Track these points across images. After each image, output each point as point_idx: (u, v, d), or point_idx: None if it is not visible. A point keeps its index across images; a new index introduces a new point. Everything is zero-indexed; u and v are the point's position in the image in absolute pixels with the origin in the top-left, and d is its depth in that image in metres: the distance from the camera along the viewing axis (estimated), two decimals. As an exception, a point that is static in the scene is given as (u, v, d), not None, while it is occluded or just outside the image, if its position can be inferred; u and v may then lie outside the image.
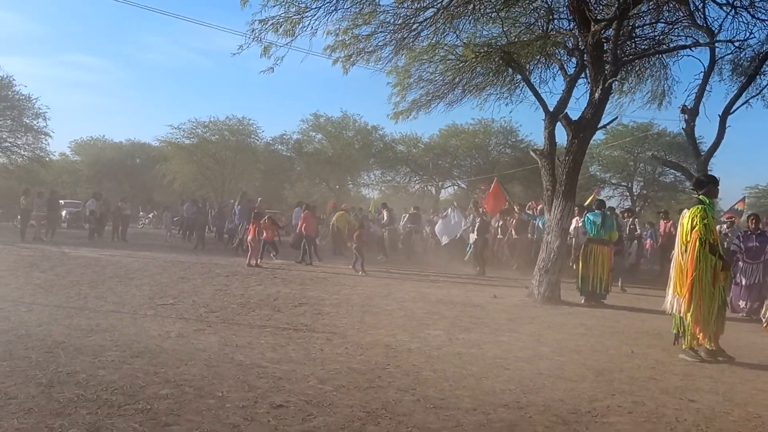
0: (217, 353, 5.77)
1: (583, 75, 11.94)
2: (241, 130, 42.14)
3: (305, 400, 4.47)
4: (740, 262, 10.46)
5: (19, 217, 21.75)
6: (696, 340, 6.50)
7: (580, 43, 11.23)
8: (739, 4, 12.07)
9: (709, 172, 12.91)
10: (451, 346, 6.65)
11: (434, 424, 4.10)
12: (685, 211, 6.87)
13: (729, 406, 4.87)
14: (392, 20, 11.16)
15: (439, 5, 10.83)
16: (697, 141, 15.60)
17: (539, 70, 13.79)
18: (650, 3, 11.97)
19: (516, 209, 17.11)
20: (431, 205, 34.63)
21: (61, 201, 30.43)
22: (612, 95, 15.18)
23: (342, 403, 4.45)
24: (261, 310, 8.42)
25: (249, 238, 14.90)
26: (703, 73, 14.29)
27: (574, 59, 12.16)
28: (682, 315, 6.55)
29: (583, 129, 10.82)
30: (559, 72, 12.44)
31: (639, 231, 16.83)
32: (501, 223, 17.14)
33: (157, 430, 3.75)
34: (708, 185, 6.81)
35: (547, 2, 11.83)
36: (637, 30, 12.91)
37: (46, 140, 34.88)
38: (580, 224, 12.66)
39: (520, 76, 12.42)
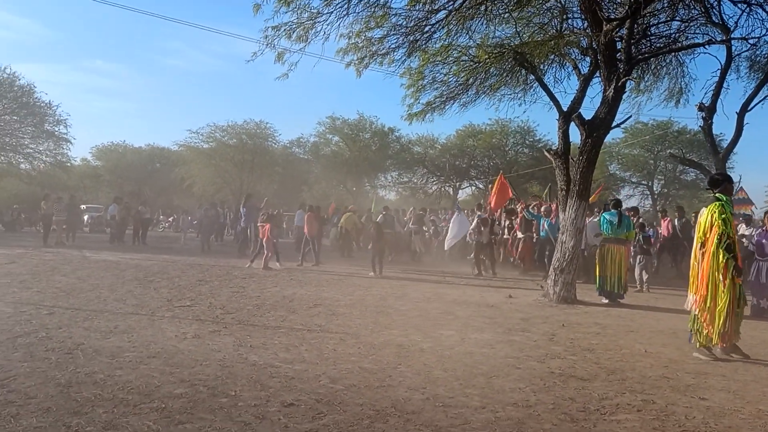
0: (231, 354, 5.87)
1: (597, 74, 11.89)
2: (259, 134, 42.52)
3: (316, 398, 4.55)
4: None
5: (42, 222, 22.18)
6: (710, 338, 6.48)
7: (593, 43, 11.19)
8: (754, 1, 11.94)
9: (728, 170, 12.81)
10: (463, 345, 6.69)
11: (442, 422, 4.15)
12: (704, 209, 6.89)
13: (740, 403, 4.86)
14: (404, 23, 11.22)
15: (451, 7, 10.86)
16: (717, 139, 15.48)
17: (554, 69, 13.77)
18: (664, 1, 11.89)
19: (519, 208, 17.06)
20: (449, 206, 34.52)
21: (82, 206, 30.98)
22: (629, 94, 15.16)
23: (352, 401, 4.52)
24: (276, 312, 8.52)
25: (265, 240, 14.99)
26: (720, 71, 14.17)
27: (588, 58, 12.12)
28: (696, 313, 6.56)
29: (596, 128, 10.79)
30: (573, 71, 12.40)
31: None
32: (507, 222, 17.05)
33: (170, 428, 3.85)
34: (723, 183, 6.82)
35: (560, 2, 11.82)
36: (652, 28, 12.83)
37: (67, 146, 35.40)
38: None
39: (533, 77, 12.40)
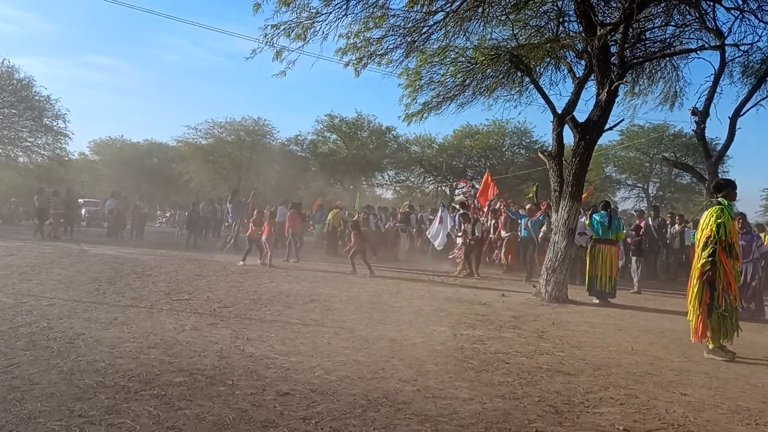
0: (228, 345, 6.03)
1: (592, 77, 12.06)
2: (257, 131, 42.51)
3: (310, 388, 4.71)
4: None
5: (36, 216, 22.28)
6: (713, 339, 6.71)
7: (588, 47, 11.36)
8: (746, 8, 12.13)
9: (723, 175, 13.01)
10: (454, 341, 6.86)
11: (431, 412, 4.32)
12: (705, 212, 7.12)
13: (720, 399, 5.04)
14: (403, 24, 11.40)
15: (448, 9, 11.03)
16: (712, 143, 15.67)
17: (549, 72, 13.97)
18: (659, 6, 12.07)
19: (499, 205, 17.24)
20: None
21: (80, 200, 31.02)
22: (624, 97, 15.35)
23: (345, 391, 4.69)
24: (273, 306, 8.68)
25: (264, 237, 15.11)
26: (713, 76, 14.37)
27: (583, 62, 12.30)
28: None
29: (589, 131, 10.96)
30: (569, 74, 12.57)
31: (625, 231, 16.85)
32: (493, 221, 17.19)
33: (170, 413, 4.01)
34: (726, 188, 7.01)
35: (557, 5, 11.98)
36: (647, 33, 13.02)
37: (65, 140, 35.42)
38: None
39: (528, 79, 12.57)
